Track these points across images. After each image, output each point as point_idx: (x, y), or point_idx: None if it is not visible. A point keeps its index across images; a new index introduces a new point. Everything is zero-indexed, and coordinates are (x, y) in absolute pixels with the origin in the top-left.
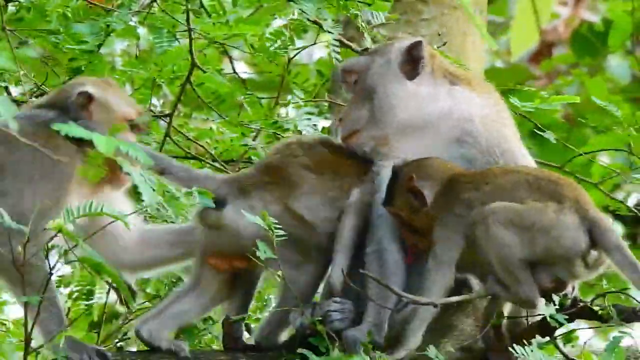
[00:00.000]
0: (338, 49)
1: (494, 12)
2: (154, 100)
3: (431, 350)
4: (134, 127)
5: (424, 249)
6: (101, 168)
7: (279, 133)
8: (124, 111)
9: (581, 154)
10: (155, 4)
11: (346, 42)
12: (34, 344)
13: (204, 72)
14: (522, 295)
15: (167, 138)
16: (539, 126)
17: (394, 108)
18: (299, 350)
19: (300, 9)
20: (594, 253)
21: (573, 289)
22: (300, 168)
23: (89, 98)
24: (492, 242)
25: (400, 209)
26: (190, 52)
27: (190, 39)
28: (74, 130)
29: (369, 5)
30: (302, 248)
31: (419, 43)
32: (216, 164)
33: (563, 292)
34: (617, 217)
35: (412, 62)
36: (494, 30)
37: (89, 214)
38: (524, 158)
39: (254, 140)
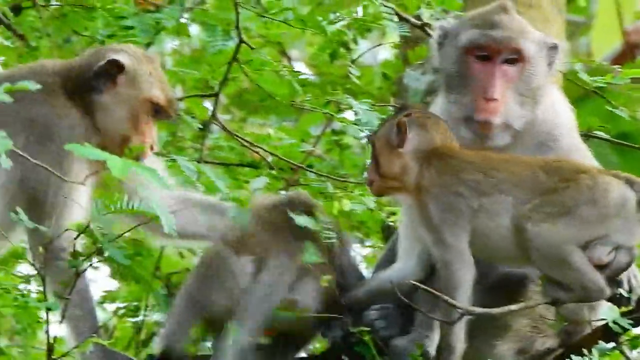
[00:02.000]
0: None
1: (574, 11)
2: (206, 103)
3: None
4: (158, 112)
5: (377, 192)
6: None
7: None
8: (151, 93)
9: None
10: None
11: (403, 15)
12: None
13: (252, 48)
14: (590, 286)
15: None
16: (612, 103)
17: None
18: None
19: None
20: None
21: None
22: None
23: (119, 67)
24: (539, 244)
25: (378, 139)
26: (237, 27)
27: (237, 13)
28: (88, 152)
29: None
30: None
31: (557, 46)
32: (273, 172)
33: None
34: None
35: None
36: (573, 31)
37: (118, 211)
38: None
39: (314, 146)
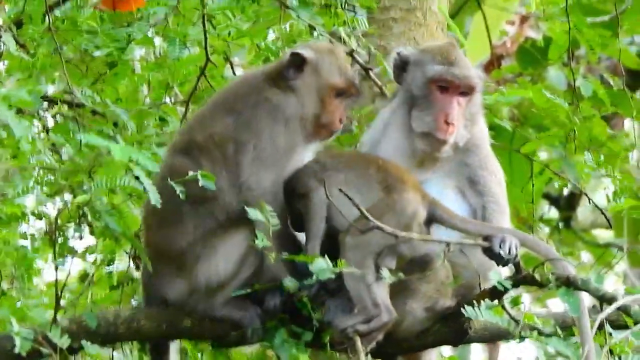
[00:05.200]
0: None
1: (452, 29)
2: (167, 99)
3: None
4: (342, 94)
5: None
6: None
7: None
8: (331, 80)
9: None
10: (169, 19)
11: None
12: None
13: (216, 66)
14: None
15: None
16: (496, 117)
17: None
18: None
19: (297, 16)
20: None
21: (516, 256)
22: None
23: (302, 60)
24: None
25: None
26: (205, 48)
27: (205, 38)
28: (93, 139)
29: (354, 12)
30: None
31: (482, 78)
32: None
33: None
34: (552, 201)
35: None
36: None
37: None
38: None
39: None
